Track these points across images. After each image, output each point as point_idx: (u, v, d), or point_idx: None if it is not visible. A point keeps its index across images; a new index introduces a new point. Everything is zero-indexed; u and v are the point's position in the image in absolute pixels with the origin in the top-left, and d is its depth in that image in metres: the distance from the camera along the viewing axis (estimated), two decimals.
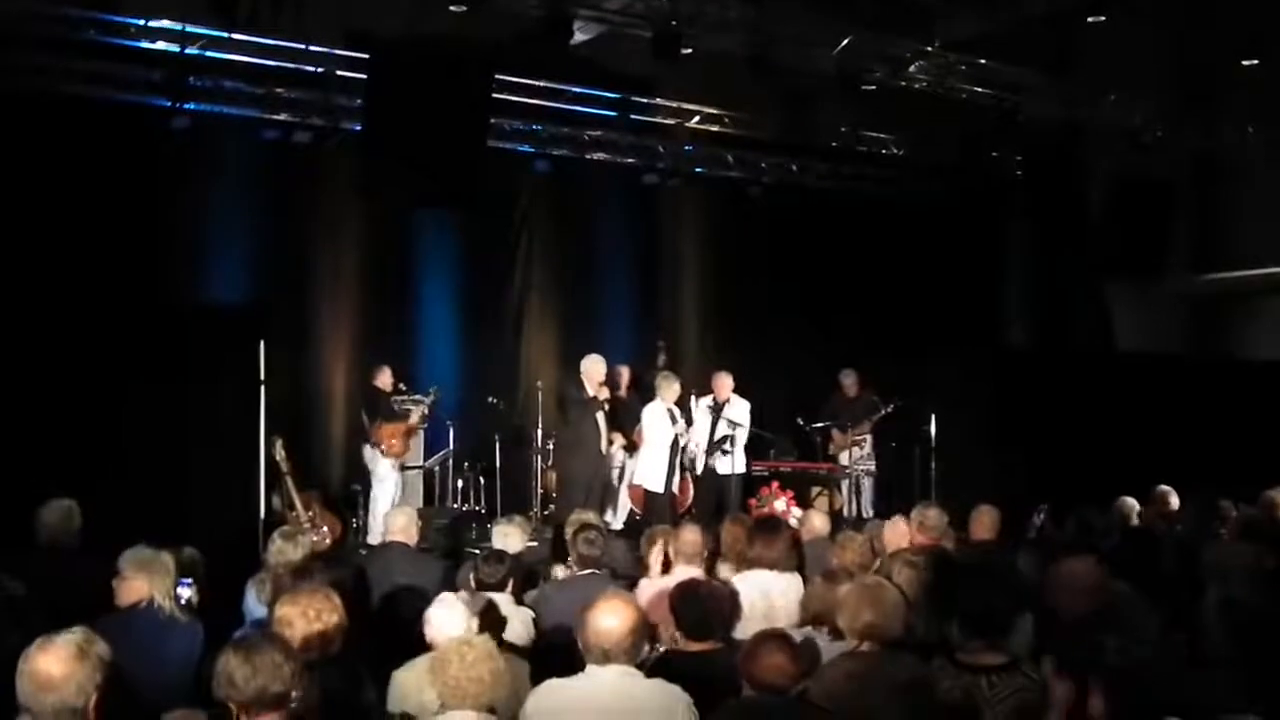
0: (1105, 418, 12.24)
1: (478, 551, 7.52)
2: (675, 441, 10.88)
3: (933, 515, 7.09)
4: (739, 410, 11.15)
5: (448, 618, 4.85)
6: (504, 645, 5.30)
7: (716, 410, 11.00)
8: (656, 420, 10.92)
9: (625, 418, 11.30)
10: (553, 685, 4.16)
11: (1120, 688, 4.04)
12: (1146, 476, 9.77)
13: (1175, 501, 9.31)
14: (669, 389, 10.94)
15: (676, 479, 11.00)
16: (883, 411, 12.46)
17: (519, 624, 5.66)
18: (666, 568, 6.31)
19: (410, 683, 4.54)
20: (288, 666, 3.60)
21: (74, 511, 6.41)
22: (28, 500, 6.53)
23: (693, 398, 11.53)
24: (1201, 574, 6.09)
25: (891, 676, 4.43)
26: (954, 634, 4.62)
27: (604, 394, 10.73)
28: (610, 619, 4.09)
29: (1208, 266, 16.35)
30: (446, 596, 5.09)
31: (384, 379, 11.09)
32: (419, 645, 4.84)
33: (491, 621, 5.26)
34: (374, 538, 10.47)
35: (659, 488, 10.83)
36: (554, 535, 8.79)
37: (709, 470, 11.06)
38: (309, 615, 4.30)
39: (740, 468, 11.18)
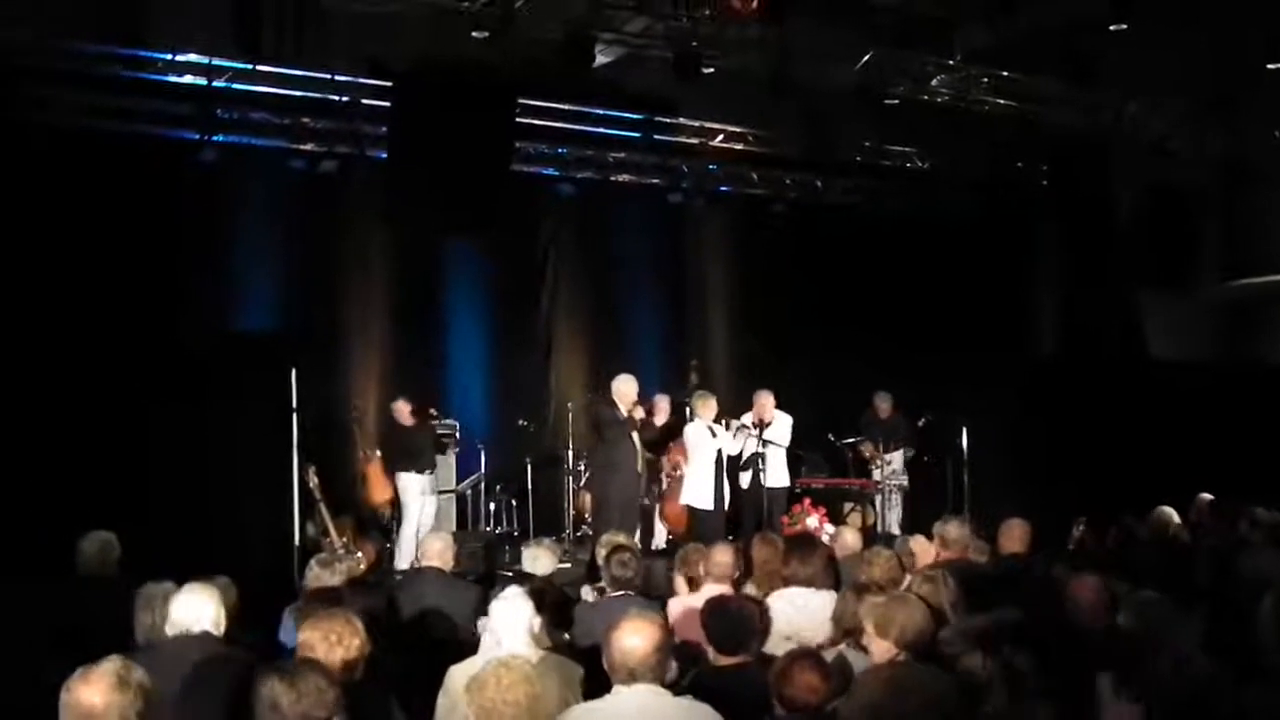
0: (1138, 426, 12.18)
1: (510, 575, 7.55)
2: (719, 457, 10.91)
3: (953, 530, 7.07)
4: (780, 425, 11.14)
5: (511, 610, 4.89)
6: (560, 647, 5.34)
7: (760, 430, 10.98)
8: (698, 439, 10.95)
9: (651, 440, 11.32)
10: (581, 709, 4.17)
11: (1175, 704, 4.01)
12: (1181, 485, 9.72)
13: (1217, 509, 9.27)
14: (706, 406, 10.95)
15: (728, 494, 11.03)
16: (909, 441, 12.44)
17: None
18: (692, 586, 6.33)
19: (462, 679, 4.56)
20: (331, 692, 3.63)
21: (113, 543, 6.49)
22: (65, 530, 6.61)
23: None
24: (1236, 582, 6.04)
25: (927, 686, 4.44)
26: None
27: (638, 413, 10.74)
28: (634, 638, 4.09)
29: (1238, 272, 16.22)
30: (511, 591, 5.09)
31: (404, 412, 10.98)
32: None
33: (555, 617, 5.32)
34: (401, 563, 10.53)
35: (709, 505, 10.84)
36: (590, 557, 8.81)
37: (754, 484, 11.05)
38: (331, 640, 4.28)
39: (784, 481, 11.20)
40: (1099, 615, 5.11)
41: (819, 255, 13.96)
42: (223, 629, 4.90)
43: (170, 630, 4.86)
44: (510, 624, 4.88)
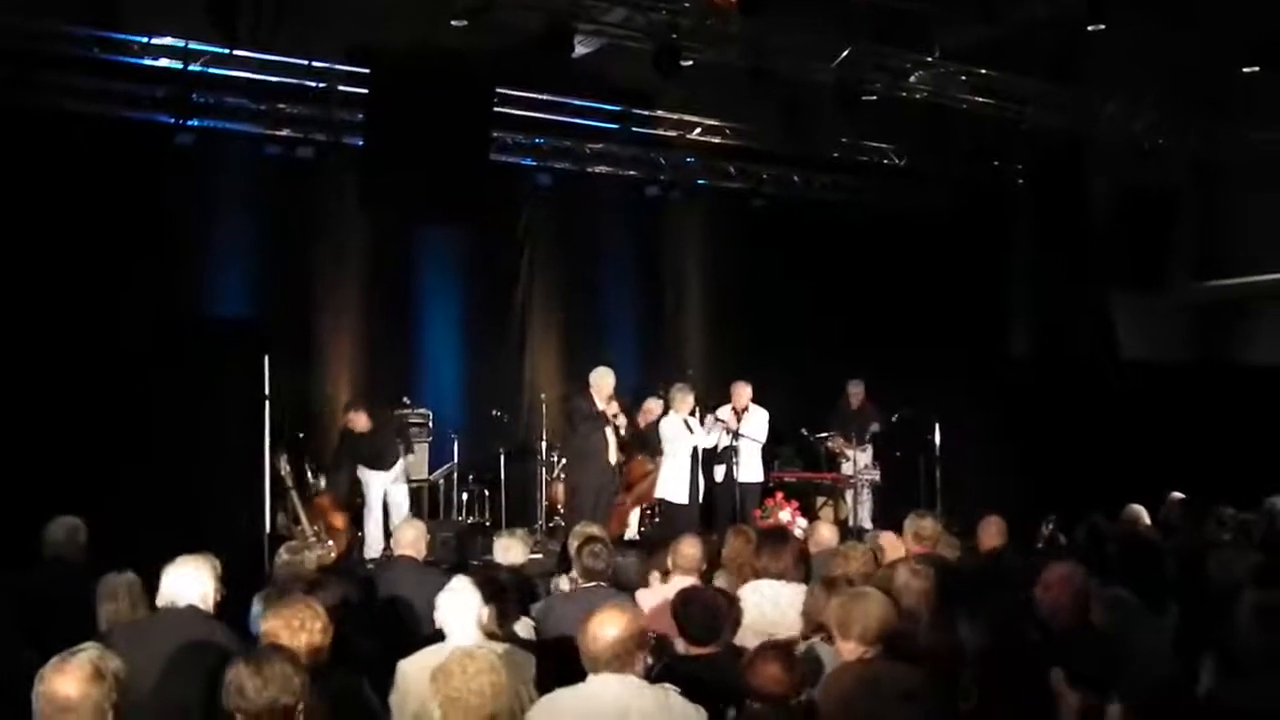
0: (1110, 425, 12.25)
1: (479, 564, 7.52)
2: (695, 452, 10.93)
3: (928, 525, 7.08)
4: (757, 419, 11.16)
5: (457, 601, 4.88)
6: (512, 638, 5.33)
7: (734, 432, 11.00)
8: (675, 432, 10.96)
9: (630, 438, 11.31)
10: (553, 697, 4.17)
11: (1154, 703, 4.02)
12: (1152, 484, 9.77)
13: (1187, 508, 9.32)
14: (683, 401, 11.00)
15: (702, 488, 11.05)
16: (879, 429, 12.48)
17: (522, 634, 5.67)
18: (664, 578, 6.35)
19: (412, 673, 4.57)
20: (297, 678, 3.64)
21: (79, 528, 6.44)
22: (35, 516, 6.55)
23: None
24: (1205, 581, 6.07)
25: (899, 683, 4.46)
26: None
27: (613, 408, 10.73)
28: (607, 628, 4.11)
29: (1211, 273, 16.31)
30: (457, 582, 5.09)
31: (360, 422, 10.89)
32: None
33: (501, 613, 5.30)
34: (369, 552, 10.49)
35: (683, 499, 10.87)
36: (561, 548, 8.80)
37: (728, 478, 11.08)
38: (294, 626, 4.29)
39: (758, 475, 11.23)
40: (1069, 602, 5.13)
41: (795, 250, 13.98)
42: (211, 603, 4.95)
43: (160, 602, 4.92)
44: (456, 615, 4.86)
